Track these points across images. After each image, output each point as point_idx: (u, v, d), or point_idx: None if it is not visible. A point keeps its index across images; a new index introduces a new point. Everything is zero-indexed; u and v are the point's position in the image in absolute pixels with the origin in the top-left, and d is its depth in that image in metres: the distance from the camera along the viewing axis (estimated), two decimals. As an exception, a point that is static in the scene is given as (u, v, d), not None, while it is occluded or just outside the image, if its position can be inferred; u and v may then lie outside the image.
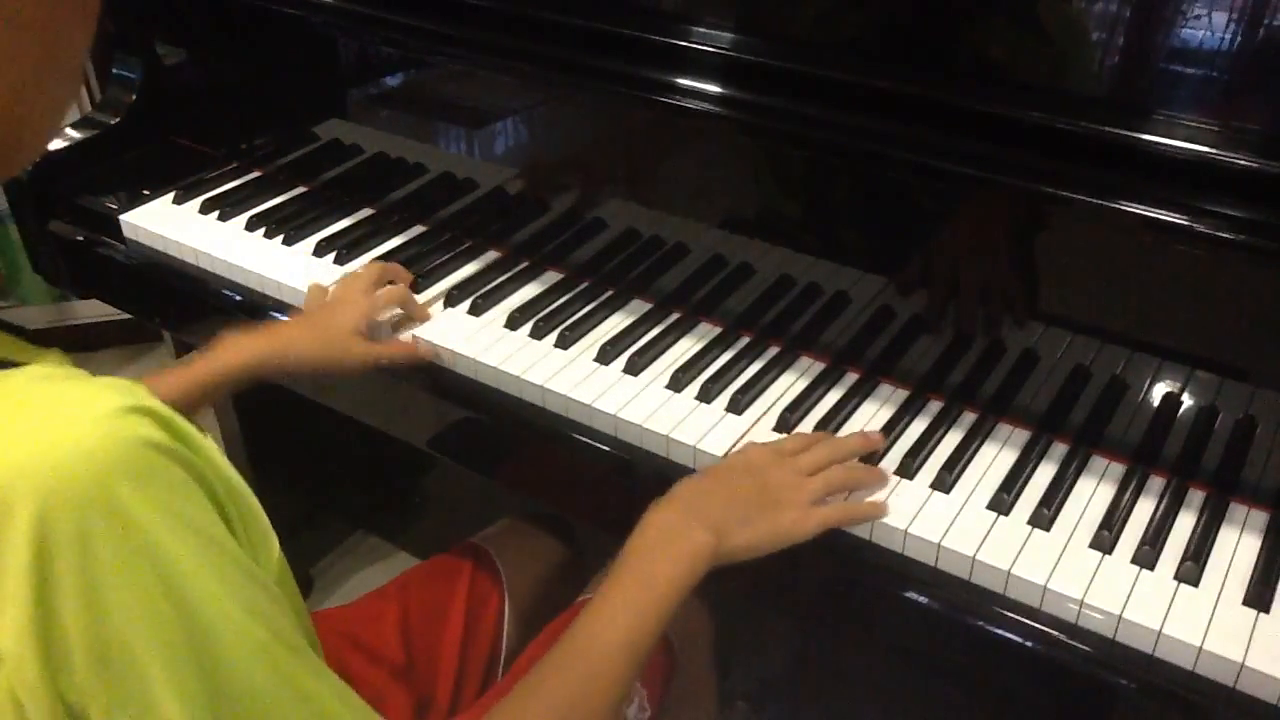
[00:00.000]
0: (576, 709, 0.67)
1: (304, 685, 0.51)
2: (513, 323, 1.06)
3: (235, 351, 0.96)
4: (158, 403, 0.49)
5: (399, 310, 1.06)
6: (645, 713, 0.98)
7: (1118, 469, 0.90)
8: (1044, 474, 0.89)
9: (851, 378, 1.00)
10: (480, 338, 1.04)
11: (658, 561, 0.75)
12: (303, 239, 1.20)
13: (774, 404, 0.97)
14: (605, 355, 1.02)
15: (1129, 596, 0.78)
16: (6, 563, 0.43)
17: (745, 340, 1.04)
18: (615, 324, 1.07)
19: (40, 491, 0.43)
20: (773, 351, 1.03)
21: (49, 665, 0.44)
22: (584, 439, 0.96)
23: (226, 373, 0.94)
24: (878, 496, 0.86)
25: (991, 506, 0.86)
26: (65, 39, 0.53)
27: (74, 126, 1.34)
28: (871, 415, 0.96)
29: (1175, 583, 0.79)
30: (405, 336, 1.06)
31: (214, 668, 0.47)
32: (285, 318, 1.11)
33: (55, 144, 1.31)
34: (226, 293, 1.17)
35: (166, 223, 1.23)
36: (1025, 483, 0.88)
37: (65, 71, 0.54)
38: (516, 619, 1.09)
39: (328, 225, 1.22)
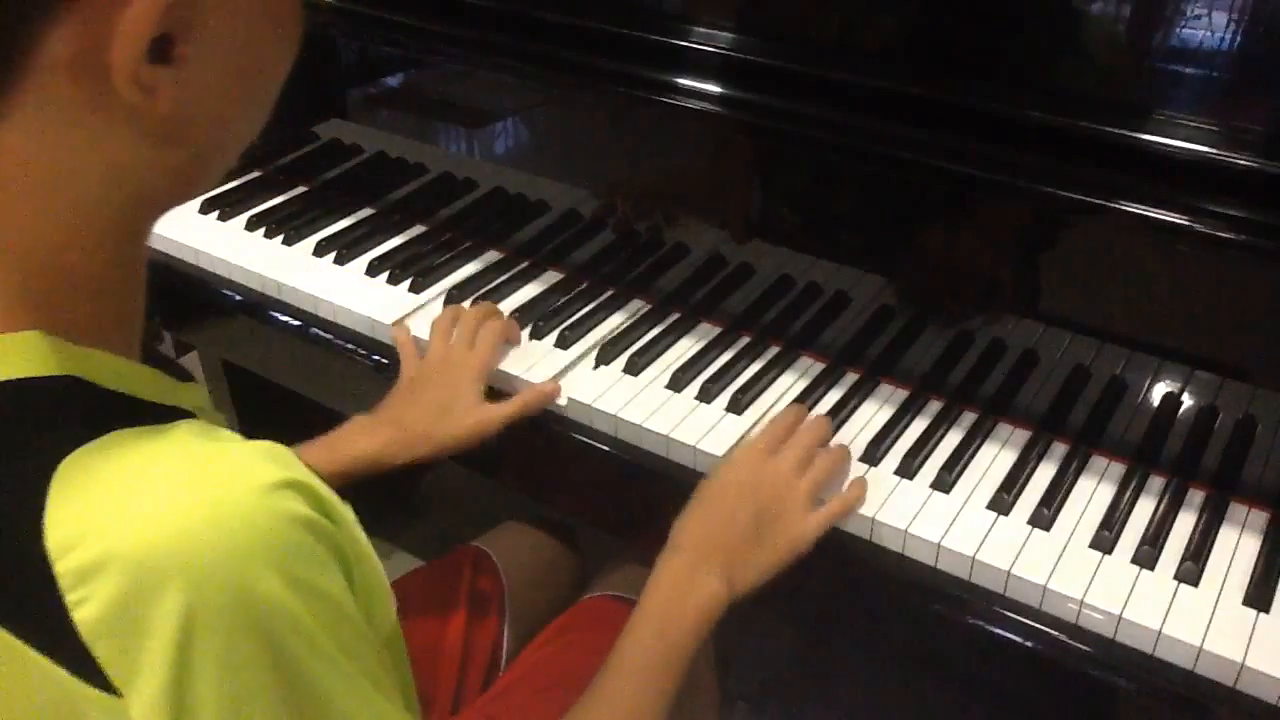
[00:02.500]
0: None
1: None
2: (513, 323, 1.06)
3: (367, 438, 0.91)
4: (307, 472, 0.48)
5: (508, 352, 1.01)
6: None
7: (1118, 469, 0.90)
8: (1044, 474, 0.89)
9: (851, 378, 1.00)
10: (530, 359, 1.04)
11: (674, 614, 0.75)
12: (303, 239, 1.20)
13: (774, 404, 0.97)
14: (605, 355, 1.01)
15: (1129, 596, 0.78)
16: (150, 637, 0.43)
17: (745, 340, 1.04)
18: (615, 324, 1.07)
19: (193, 572, 0.43)
20: (773, 351, 1.03)
21: None
22: (584, 439, 0.96)
23: (356, 462, 0.90)
24: (851, 475, 0.87)
25: (991, 506, 0.86)
26: (269, 69, 0.54)
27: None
28: (871, 415, 0.96)
29: (1175, 583, 0.79)
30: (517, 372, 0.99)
31: None
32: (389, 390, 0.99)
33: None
34: (226, 293, 1.17)
35: (166, 222, 1.21)
36: (1025, 483, 0.88)
37: (263, 101, 0.54)
38: (517, 621, 1.09)
39: (328, 225, 1.22)
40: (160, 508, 0.44)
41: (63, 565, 0.43)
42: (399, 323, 1.05)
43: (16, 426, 0.46)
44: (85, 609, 0.43)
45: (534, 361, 1.01)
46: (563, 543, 1.20)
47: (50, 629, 0.44)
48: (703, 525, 0.81)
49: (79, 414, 0.47)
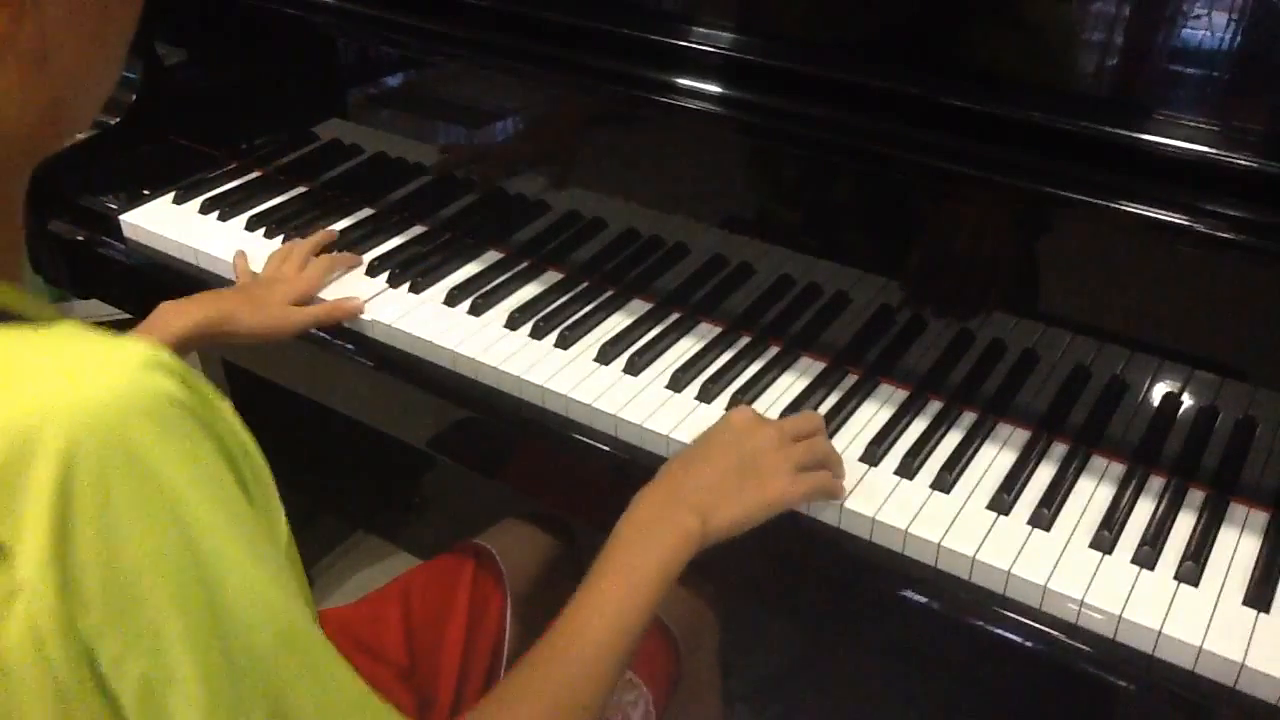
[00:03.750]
0: (566, 699, 0.68)
1: (310, 645, 0.52)
2: (513, 323, 1.06)
3: (177, 318, 1.00)
4: (180, 362, 0.50)
5: (335, 277, 1.13)
6: (651, 716, 0.98)
7: (1118, 469, 0.90)
8: (1044, 474, 0.89)
9: (851, 378, 1.00)
10: (480, 338, 1.04)
11: (643, 551, 0.75)
12: (303, 239, 1.20)
13: (774, 404, 0.97)
14: (605, 355, 1.02)
15: (1129, 596, 0.78)
16: (30, 495, 0.44)
17: (745, 340, 1.04)
18: (615, 324, 1.07)
19: (67, 431, 0.44)
20: (773, 351, 1.03)
21: (65, 600, 0.45)
22: (584, 439, 0.96)
23: (166, 341, 0.97)
24: (852, 475, 0.88)
25: (991, 506, 0.86)
26: (113, 20, 0.55)
27: (74, 126, 1.34)
28: (871, 415, 0.96)
29: (1175, 583, 0.79)
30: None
31: (226, 617, 0.48)
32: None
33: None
34: (226, 293, 1.17)
35: (166, 223, 1.23)
36: (1025, 483, 0.88)
37: (110, 55, 0.57)
38: (519, 619, 1.09)
39: (328, 225, 1.22)
40: (37, 381, 0.46)
41: None
42: (240, 253, 1.16)
43: None
44: None
45: (534, 361, 1.01)
46: (564, 539, 1.20)
47: None
48: (686, 465, 0.82)
49: None
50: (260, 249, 1.18)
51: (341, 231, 1.21)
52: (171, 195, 1.27)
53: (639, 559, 0.75)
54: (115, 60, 0.58)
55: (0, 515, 0.45)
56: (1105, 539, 0.82)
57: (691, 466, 0.82)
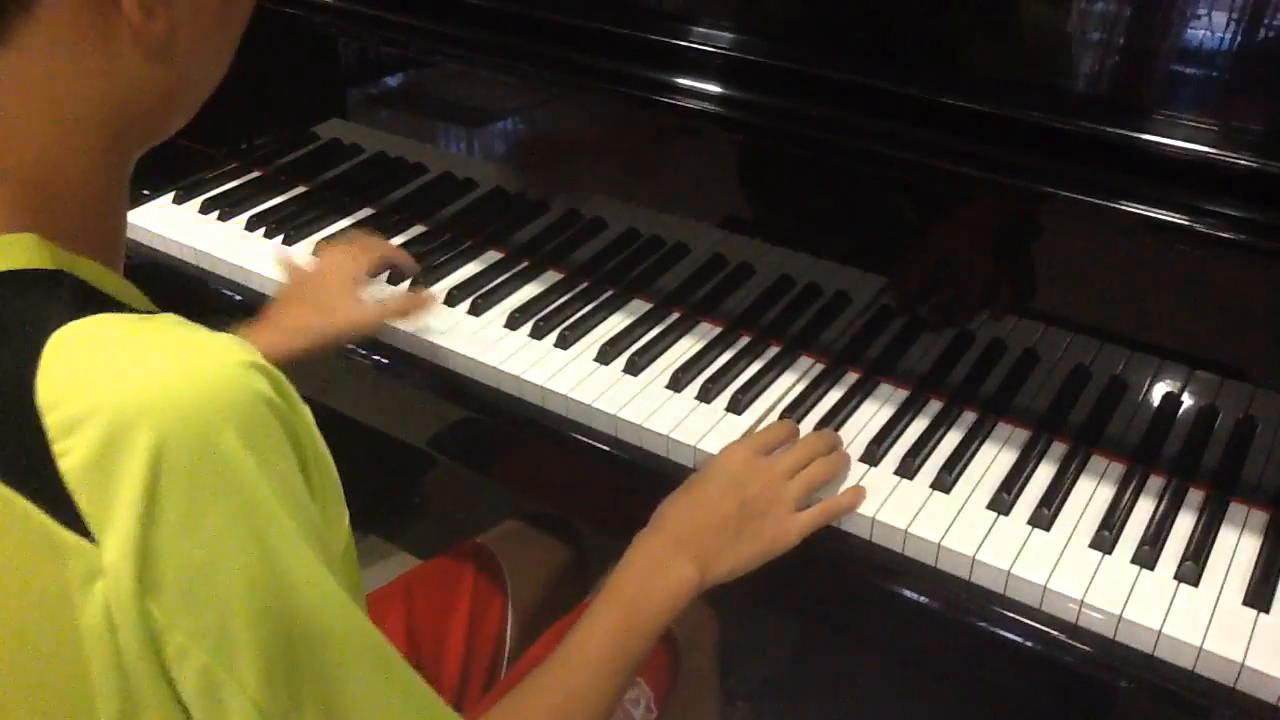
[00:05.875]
0: None
1: (373, 638, 0.54)
2: (513, 323, 1.06)
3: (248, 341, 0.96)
4: (272, 365, 0.52)
5: (389, 270, 1.09)
6: (651, 713, 0.98)
7: (1118, 469, 0.90)
8: (1044, 474, 0.89)
9: (851, 378, 1.00)
10: (480, 337, 1.04)
11: (644, 592, 0.76)
12: (303, 239, 1.20)
13: (774, 404, 0.97)
14: (605, 355, 1.02)
15: (1129, 596, 0.78)
16: (122, 483, 0.46)
17: (745, 340, 1.04)
18: (615, 324, 1.07)
19: (164, 423, 0.46)
20: (773, 351, 1.03)
21: (141, 585, 0.47)
22: (584, 439, 0.96)
23: None
24: (847, 483, 0.87)
25: (991, 506, 0.86)
26: (233, 15, 0.60)
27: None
28: (871, 415, 0.96)
29: (1175, 583, 0.79)
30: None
31: (293, 613, 0.50)
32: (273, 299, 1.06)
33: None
34: (226, 293, 1.17)
35: (166, 223, 1.23)
36: (1025, 483, 0.88)
37: (225, 48, 0.61)
38: (520, 619, 1.09)
39: (328, 225, 1.23)
40: (139, 370, 0.47)
41: (51, 418, 0.47)
42: (284, 258, 1.09)
43: (14, 305, 0.50)
44: (69, 459, 0.46)
45: (534, 361, 1.01)
46: (564, 539, 1.20)
47: (40, 477, 0.47)
48: (685, 510, 0.82)
49: (71, 298, 0.52)
50: (260, 249, 1.18)
51: (341, 232, 1.21)
52: (171, 195, 1.27)
53: (639, 602, 0.76)
54: (228, 53, 0.61)
55: (93, 498, 0.47)
56: (1105, 539, 0.82)
57: (690, 512, 0.81)
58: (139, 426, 0.46)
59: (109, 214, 0.59)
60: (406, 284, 1.12)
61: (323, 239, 1.14)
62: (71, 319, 0.49)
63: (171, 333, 0.51)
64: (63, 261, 0.53)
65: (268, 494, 0.49)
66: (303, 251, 1.16)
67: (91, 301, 0.52)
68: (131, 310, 0.53)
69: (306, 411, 0.54)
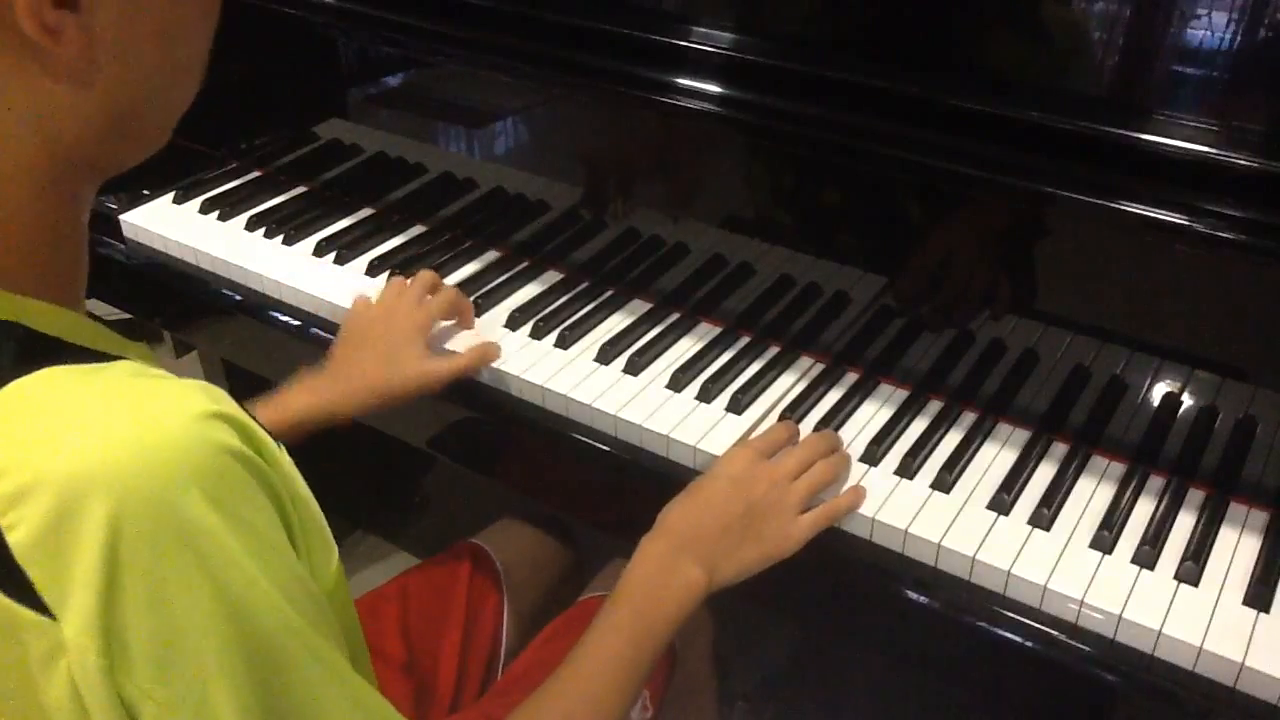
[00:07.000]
0: None
1: (357, 690, 0.52)
2: (513, 323, 1.06)
3: (313, 395, 0.92)
4: (238, 409, 0.50)
5: (454, 320, 1.04)
6: (647, 711, 0.98)
7: (1118, 469, 0.90)
8: (1044, 474, 0.89)
9: (851, 378, 1.00)
10: (480, 338, 1.04)
11: (654, 596, 0.76)
12: (303, 239, 1.20)
13: (774, 404, 0.97)
14: (605, 355, 1.02)
15: (1129, 596, 0.78)
16: (78, 557, 0.44)
17: (745, 340, 1.04)
18: (615, 324, 1.07)
19: (117, 490, 0.44)
20: (773, 351, 1.03)
21: (108, 659, 0.45)
22: (584, 439, 0.96)
23: (303, 418, 0.91)
24: (847, 484, 0.87)
25: (991, 506, 0.86)
26: (185, 28, 0.55)
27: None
28: (871, 415, 0.96)
29: (1175, 583, 0.79)
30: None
31: (270, 671, 0.48)
32: (332, 338, 1.01)
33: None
34: (226, 293, 1.17)
35: (166, 223, 1.23)
36: (1025, 483, 0.88)
37: (180, 62, 0.55)
38: (516, 618, 1.09)
39: (328, 225, 1.22)
40: (88, 434, 0.45)
41: None
42: (361, 298, 1.03)
43: None
44: (18, 532, 0.44)
45: (534, 361, 1.01)
46: (560, 538, 1.20)
47: None
48: (690, 514, 0.81)
49: (12, 352, 0.48)
50: (261, 249, 1.18)
51: (341, 232, 1.21)
52: (171, 195, 1.27)
53: (649, 607, 0.76)
54: (189, 67, 0.56)
55: (48, 572, 0.44)
56: (1105, 539, 0.82)
57: (695, 516, 0.81)
58: (91, 496, 0.43)
59: (62, 251, 0.56)
60: (468, 331, 1.05)
61: (395, 276, 1.08)
62: (14, 377, 0.47)
63: (124, 386, 0.48)
64: (7, 309, 0.50)
65: (238, 552, 0.47)
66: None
67: (39, 352, 0.49)
68: (87, 353, 0.51)
69: (281, 454, 0.52)
